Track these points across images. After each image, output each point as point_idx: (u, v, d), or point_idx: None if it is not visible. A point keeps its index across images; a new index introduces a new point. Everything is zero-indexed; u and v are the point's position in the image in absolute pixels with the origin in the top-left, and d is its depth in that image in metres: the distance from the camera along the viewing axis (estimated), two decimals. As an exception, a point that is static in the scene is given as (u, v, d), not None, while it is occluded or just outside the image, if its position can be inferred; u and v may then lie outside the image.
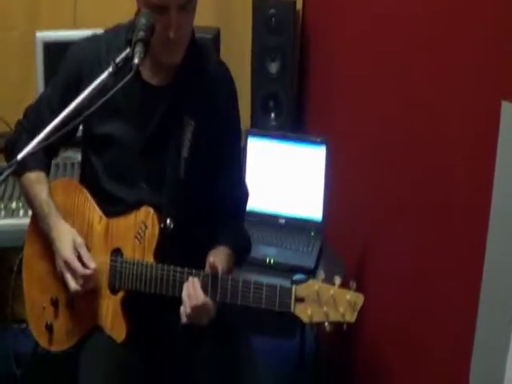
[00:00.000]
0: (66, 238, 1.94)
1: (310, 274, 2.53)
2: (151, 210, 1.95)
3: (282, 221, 2.84)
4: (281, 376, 2.90)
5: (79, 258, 1.91)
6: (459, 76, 2.05)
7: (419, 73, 2.32)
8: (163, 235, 1.94)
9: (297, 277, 2.43)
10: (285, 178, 2.84)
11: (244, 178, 2.19)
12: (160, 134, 1.97)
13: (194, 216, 2.03)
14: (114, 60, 1.73)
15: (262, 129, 3.09)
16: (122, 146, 1.98)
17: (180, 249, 1.97)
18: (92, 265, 1.91)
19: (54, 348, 2.04)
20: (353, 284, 1.78)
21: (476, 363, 2.00)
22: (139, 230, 1.95)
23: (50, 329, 2.02)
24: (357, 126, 2.84)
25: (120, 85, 1.66)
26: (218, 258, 1.92)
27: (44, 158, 2.05)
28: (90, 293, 1.94)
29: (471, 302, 1.95)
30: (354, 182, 2.87)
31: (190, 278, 1.86)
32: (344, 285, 1.79)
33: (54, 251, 1.95)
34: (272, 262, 2.60)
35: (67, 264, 1.90)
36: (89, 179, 2.06)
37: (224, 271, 1.88)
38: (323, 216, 2.78)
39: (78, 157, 2.23)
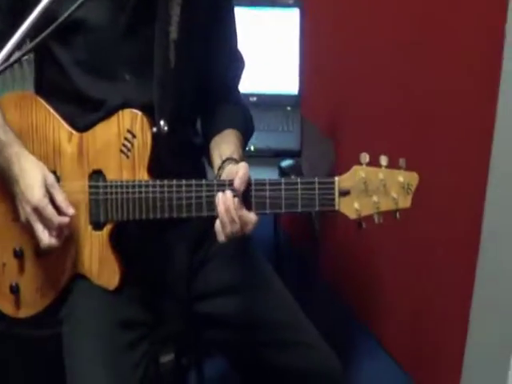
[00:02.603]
0: (33, 175, 1.43)
1: (297, 156, 2.20)
2: (138, 112, 1.47)
3: (254, 99, 2.41)
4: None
5: (52, 202, 1.43)
6: None
7: None
8: (157, 142, 1.48)
9: (285, 163, 2.08)
10: (251, 49, 2.38)
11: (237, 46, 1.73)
12: (143, 11, 1.48)
13: (190, 112, 1.60)
14: None
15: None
16: (97, 30, 1.48)
17: (178, 157, 1.54)
18: (70, 211, 1.43)
19: (24, 313, 1.56)
20: (403, 162, 1.39)
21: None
22: (125, 142, 1.47)
23: (15, 290, 1.54)
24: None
25: None
26: (232, 145, 1.52)
27: None
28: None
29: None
30: (332, 48, 2.48)
31: (228, 192, 1.38)
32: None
33: (16, 193, 1.45)
34: (252, 148, 2.18)
35: (37, 211, 1.41)
36: (53, 80, 1.55)
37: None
38: (300, 89, 2.39)
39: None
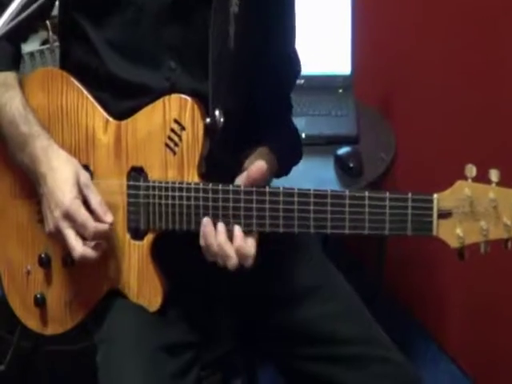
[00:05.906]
0: (63, 172, 1.17)
1: (354, 143, 1.92)
2: (188, 99, 1.16)
3: (301, 81, 2.11)
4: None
5: (85, 206, 1.16)
6: None
7: None
8: (210, 137, 1.18)
9: (342, 151, 1.86)
10: (299, 27, 2.09)
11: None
12: None
13: (246, 104, 1.29)
14: None
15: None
16: (138, 7, 1.19)
17: (235, 156, 1.25)
18: (108, 218, 1.16)
19: (52, 330, 1.31)
20: None
21: None
22: (171, 134, 1.17)
23: (41, 303, 1.29)
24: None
25: None
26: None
27: (9, 48, 1.25)
28: None
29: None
30: (387, 23, 2.22)
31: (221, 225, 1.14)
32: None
33: (43, 194, 1.18)
34: (304, 135, 1.90)
35: (68, 215, 1.14)
36: (81, 63, 1.26)
37: None
38: (352, 68, 2.10)
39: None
